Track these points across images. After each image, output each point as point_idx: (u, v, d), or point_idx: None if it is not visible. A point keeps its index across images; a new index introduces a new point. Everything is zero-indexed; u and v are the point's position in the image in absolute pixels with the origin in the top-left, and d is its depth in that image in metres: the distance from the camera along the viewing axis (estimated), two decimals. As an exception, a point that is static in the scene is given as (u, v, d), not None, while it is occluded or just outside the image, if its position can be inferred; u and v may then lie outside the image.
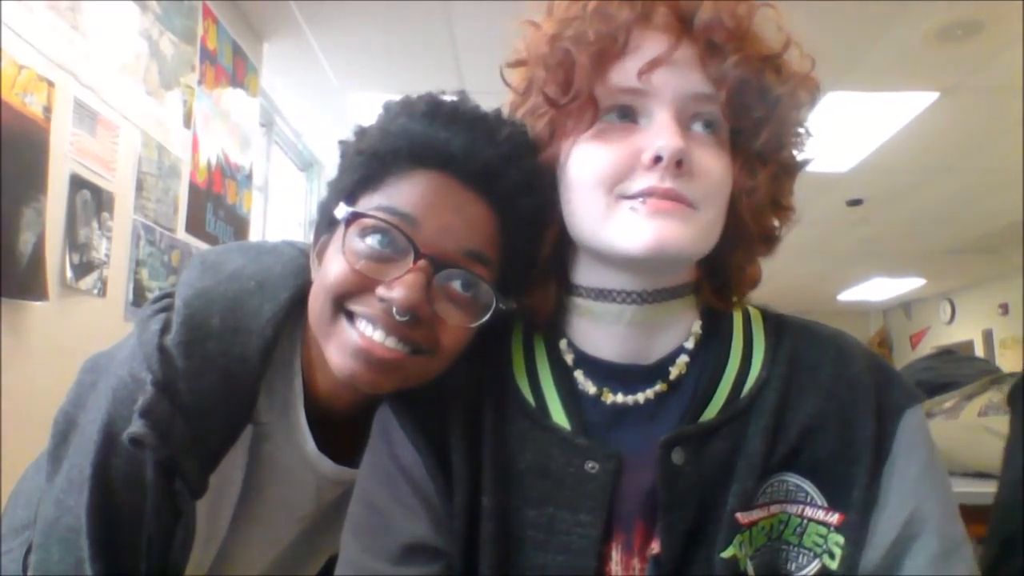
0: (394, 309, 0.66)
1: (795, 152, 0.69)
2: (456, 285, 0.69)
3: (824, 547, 0.63)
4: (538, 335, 0.73)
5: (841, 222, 5.53)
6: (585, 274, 0.70)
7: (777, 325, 0.72)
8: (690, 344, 0.69)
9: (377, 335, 0.67)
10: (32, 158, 1.67)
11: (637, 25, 0.64)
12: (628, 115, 0.65)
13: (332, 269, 0.69)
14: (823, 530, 0.64)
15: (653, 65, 0.62)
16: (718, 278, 0.70)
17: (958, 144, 4.09)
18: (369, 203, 0.69)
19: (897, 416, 0.66)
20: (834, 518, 0.64)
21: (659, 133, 0.62)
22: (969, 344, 7.97)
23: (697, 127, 0.65)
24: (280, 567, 0.89)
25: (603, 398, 0.68)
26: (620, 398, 0.67)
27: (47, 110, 1.71)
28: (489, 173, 0.67)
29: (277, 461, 0.79)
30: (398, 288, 0.66)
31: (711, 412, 0.66)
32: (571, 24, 0.65)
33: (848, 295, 8.66)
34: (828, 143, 4.01)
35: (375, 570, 0.66)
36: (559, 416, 0.68)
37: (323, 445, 0.79)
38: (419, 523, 0.66)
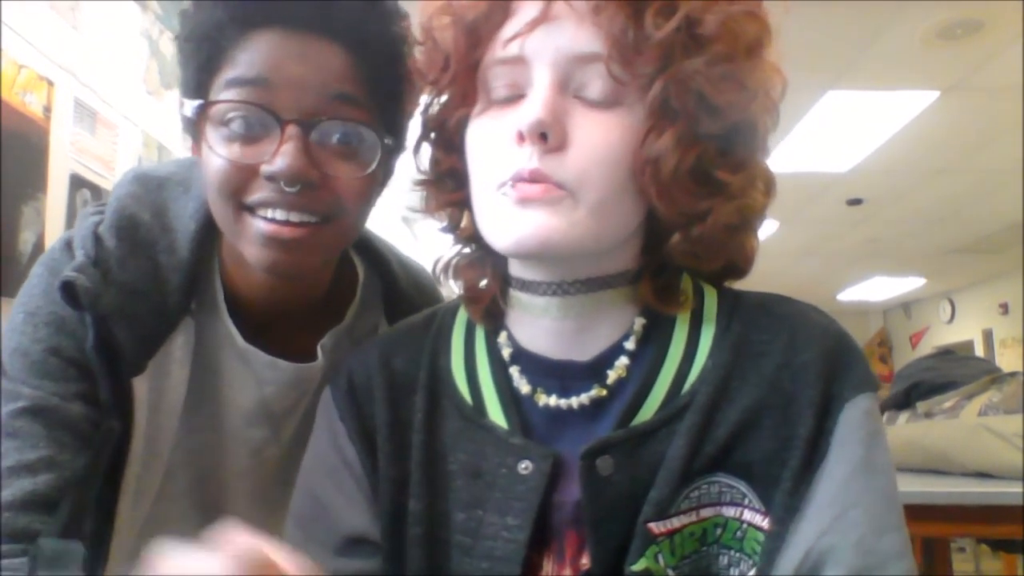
0: (282, 183, 0.64)
1: (726, 111, 0.56)
2: (334, 139, 0.66)
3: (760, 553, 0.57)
4: (479, 328, 0.67)
5: (841, 222, 5.53)
6: (512, 263, 0.64)
7: (732, 306, 0.63)
8: (631, 344, 0.61)
9: (279, 215, 0.65)
10: (32, 157, 1.66)
11: None
12: (514, 91, 0.58)
13: (209, 169, 0.67)
14: (760, 536, 0.56)
15: (530, 27, 0.55)
16: (664, 271, 0.62)
17: (958, 144, 4.09)
18: (217, 90, 0.67)
19: (837, 411, 0.56)
20: (767, 523, 0.56)
21: (526, 105, 0.55)
22: (969, 344, 7.97)
23: (586, 93, 0.56)
24: (261, 506, 0.87)
25: (536, 399, 0.62)
26: (554, 401, 0.61)
27: (47, 110, 1.71)
28: (319, 10, 0.65)
29: (219, 364, 0.79)
30: (278, 160, 0.64)
31: (646, 413, 0.59)
32: None
33: (848, 295, 8.66)
34: (828, 143, 4.01)
35: (317, 560, 0.63)
36: (496, 415, 0.62)
37: (257, 342, 0.78)
38: (361, 516, 0.65)
